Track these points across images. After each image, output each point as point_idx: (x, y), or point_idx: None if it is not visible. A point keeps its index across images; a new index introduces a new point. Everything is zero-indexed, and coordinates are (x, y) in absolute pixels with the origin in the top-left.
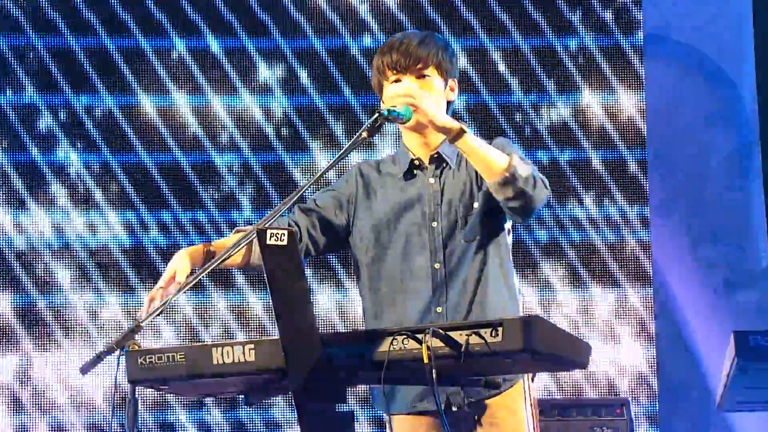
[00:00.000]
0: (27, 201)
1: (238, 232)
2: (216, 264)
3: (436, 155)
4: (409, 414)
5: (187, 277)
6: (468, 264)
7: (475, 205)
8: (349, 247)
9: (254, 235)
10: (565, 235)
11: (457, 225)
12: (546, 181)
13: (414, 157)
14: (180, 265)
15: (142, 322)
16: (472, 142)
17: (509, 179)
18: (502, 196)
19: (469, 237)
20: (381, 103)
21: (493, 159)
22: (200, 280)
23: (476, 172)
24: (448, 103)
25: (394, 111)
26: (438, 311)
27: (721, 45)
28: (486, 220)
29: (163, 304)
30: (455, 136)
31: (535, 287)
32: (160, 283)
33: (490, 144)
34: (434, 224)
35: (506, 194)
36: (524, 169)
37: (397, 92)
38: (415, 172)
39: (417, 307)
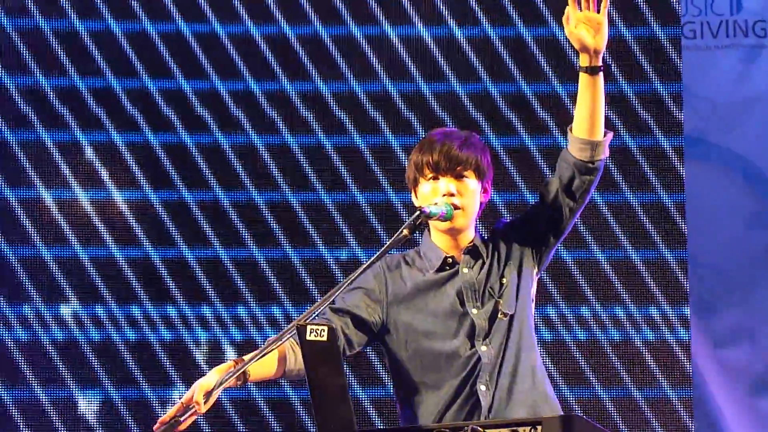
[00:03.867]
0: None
1: (269, 342)
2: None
3: (471, 246)
4: None
5: (207, 394)
6: (509, 342)
7: (504, 281)
8: (382, 343)
9: (292, 333)
10: (605, 335)
11: (496, 308)
12: None
13: (447, 255)
14: (200, 383)
15: (181, 417)
16: (602, 86)
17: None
18: (590, 155)
19: (506, 311)
20: (413, 196)
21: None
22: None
23: (504, 254)
24: (481, 204)
25: (437, 209)
26: (482, 389)
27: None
28: (517, 294)
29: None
30: (594, 70)
31: (574, 387)
32: (183, 399)
33: None
34: (474, 310)
35: (597, 156)
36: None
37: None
38: (447, 269)
39: (458, 393)
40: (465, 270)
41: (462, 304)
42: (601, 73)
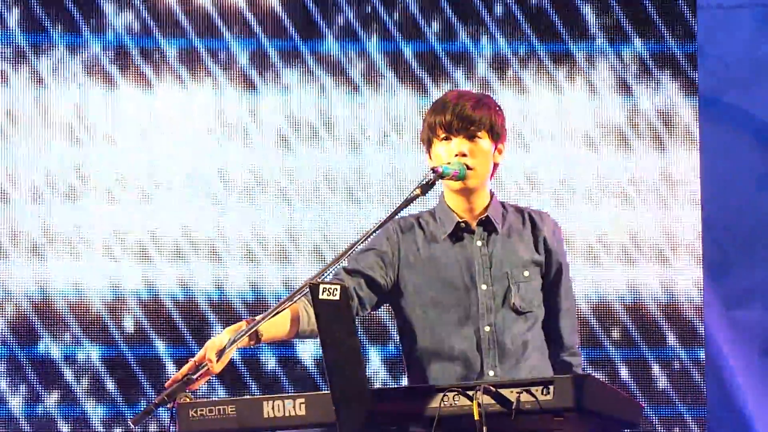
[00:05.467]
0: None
1: (281, 302)
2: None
3: (484, 218)
4: None
5: (219, 353)
6: (516, 328)
7: (526, 273)
8: (392, 305)
9: (305, 293)
10: (617, 296)
11: (508, 290)
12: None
13: (460, 220)
14: (212, 341)
15: (194, 375)
16: None
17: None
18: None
19: (523, 307)
20: (427, 157)
21: None
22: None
23: (533, 243)
24: (495, 165)
25: (449, 168)
26: (491, 374)
27: None
28: (537, 292)
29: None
30: None
31: (583, 348)
32: (195, 358)
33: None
34: (483, 287)
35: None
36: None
37: None
38: (461, 234)
39: (463, 369)
40: (479, 243)
41: (471, 277)
42: None
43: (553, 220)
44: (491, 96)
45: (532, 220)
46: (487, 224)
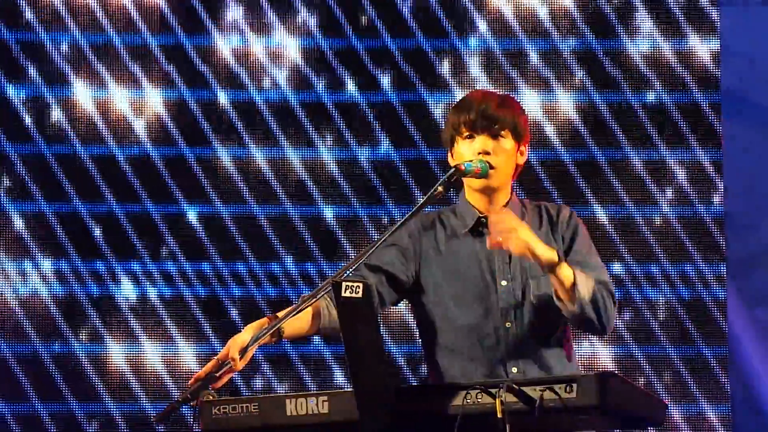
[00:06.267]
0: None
1: (303, 299)
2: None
3: None
4: None
5: (242, 350)
6: (537, 323)
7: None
8: (411, 302)
9: (327, 290)
10: (641, 293)
11: (528, 285)
12: (614, 299)
13: (481, 215)
14: (235, 339)
15: (217, 373)
16: (565, 272)
17: (582, 318)
18: (573, 324)
19: (542, 302)
20: (450, 156)
21: (575, 294)
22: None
23: (551, 237)
24: (518, 166)
25: (471, 166)
26: (514, 371)
27: None
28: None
29: (240, 354)
30: (551, 267)
31: (610, 343)
32: (218, 356)
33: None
34: (503, 282)
35: (577, 325)
36: (599, 305)
37: (495, 225)
38: (481, 229)
39: (485, 366)
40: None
41: (492, 273)
42: (562, 264)
43: (569, 211)
44: (515, 97)
45: (548, 215)
46: None
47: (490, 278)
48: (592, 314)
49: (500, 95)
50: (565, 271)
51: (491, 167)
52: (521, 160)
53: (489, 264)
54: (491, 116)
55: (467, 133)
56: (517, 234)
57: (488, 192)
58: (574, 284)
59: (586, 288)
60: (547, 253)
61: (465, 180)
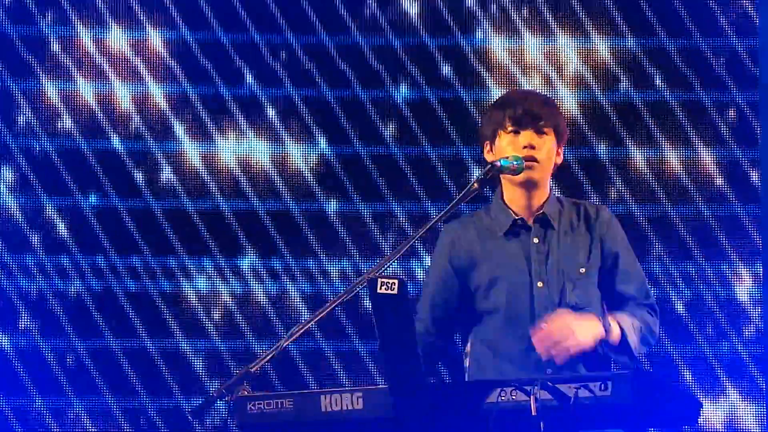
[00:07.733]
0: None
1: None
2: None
3: (540, 215)
4: None
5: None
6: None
7: (581, 270)
8: None
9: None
10: (676, 291)
11: (564, 288)
12: (656, 312)
13: (516, 218)
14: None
15: (252, 368)
16: (614, 334)
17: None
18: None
19: (579, 304)
20: (487, 151)
21: (628, 346)
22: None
23: (589, 239)
24: (554, 164)
25: (508, 162)
26: (548, 372)
27: None
28: (594, 289)
29: (275, 349)
30: (602, 339)
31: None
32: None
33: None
34: (539, 284)
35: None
36: (648, 341)
37: (540, 343)
38: (517, 230)
39: (520, 367)
40: (535, 240)
41: (528, 275)
42: (609, 333)
43: (608, 213)
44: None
45: (587, 215)
46: (543, 221)
47: (527, 280)
48: (644, 350)
49: (542, 95)
50: (614, 333)
51: (536, 162)
52: (558, 161)
53: (525, 265)
54: (536, 113)
55: (512, 128)
56: (563, 346)
57: (529, 187)
58: (624, 339)
59: (635, 336)
60: (591, 337)
61: (502, 177)
